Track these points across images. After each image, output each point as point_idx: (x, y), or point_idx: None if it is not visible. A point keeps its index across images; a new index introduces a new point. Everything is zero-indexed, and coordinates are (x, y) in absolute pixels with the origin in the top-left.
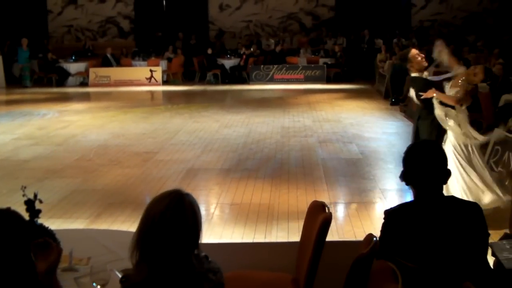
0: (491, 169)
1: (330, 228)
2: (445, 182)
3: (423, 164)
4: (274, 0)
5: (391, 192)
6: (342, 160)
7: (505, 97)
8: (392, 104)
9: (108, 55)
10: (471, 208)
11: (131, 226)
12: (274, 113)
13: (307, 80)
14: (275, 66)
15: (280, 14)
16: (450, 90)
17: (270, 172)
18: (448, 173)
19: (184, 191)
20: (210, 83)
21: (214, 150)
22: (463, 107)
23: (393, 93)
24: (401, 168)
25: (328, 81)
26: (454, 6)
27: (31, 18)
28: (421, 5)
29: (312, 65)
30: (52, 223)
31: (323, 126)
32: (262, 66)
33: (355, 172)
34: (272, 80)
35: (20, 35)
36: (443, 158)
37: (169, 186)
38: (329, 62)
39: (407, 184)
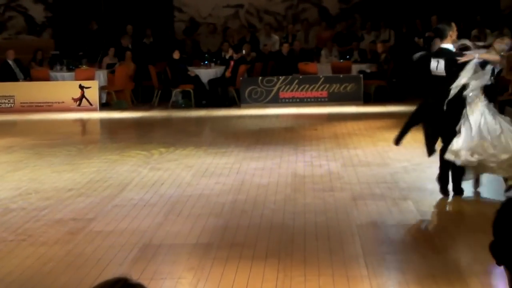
0: None
1: None
2: None
3: None
4: None
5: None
6: (391, 228)
7: None
8: None
9: (10, 62)
10: None
11: None
12: (281, 153)
13: (333, 99)
14: (281, 77)
15: None
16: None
17: (275, 248)
18: None
19: (134, 281)
20: (177, 106)
21: (185, 214)
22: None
23: None
24: (489, 238)
25: (367, 100)
26: None
27: None
28: None
29: (341, 76)
30: None
31: (360, 173)
32: (260, 78)
33: (412, 247)
34: (276, 101)
35: None
36: None
37: (113, 273)
38: (367, 71)
39: (499, 264)
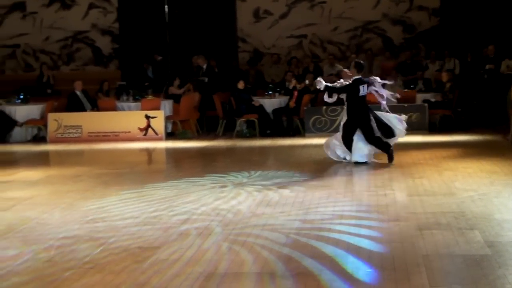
0: None
1: None
2: None
3: None
4: (341, 2)
5: None
6: (458, 258)
7: None
8: None
9: (78, 93)
10: None
11: None
12: (345, 182)
13: None
14: (345, 107)
15: (351, 24)
16: None
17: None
18: None
19: None
20: (241, 135)
21: (249, 243)
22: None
23: None
24: None
25: (432, 129)
26: None
27: None
28: None
29: (405, 105)
30: None
31: (425, 203)
32: (324, 107)
33: (480, 278)
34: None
35: None
36: None
37: None
38: (432, 100)
39: None
